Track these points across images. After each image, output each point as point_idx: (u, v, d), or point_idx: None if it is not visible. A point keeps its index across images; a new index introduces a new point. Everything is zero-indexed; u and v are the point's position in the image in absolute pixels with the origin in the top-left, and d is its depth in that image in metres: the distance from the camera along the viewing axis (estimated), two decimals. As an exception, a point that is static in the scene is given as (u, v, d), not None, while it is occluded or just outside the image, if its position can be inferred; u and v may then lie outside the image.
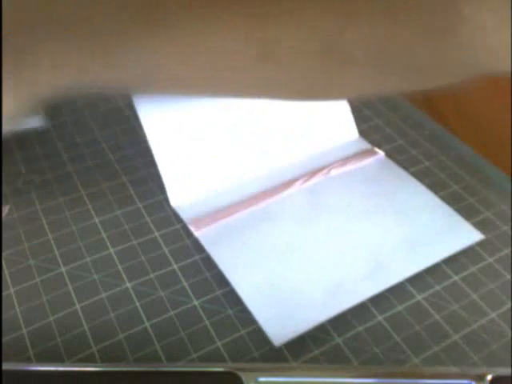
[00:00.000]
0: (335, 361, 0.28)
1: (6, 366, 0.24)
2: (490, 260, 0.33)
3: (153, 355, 0.28)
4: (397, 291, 0.31)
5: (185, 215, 0.35)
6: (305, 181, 0.37)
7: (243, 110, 0.37)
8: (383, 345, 0.28)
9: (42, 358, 0.27)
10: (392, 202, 0.36)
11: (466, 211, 0.36)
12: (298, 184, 0.37)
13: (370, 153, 0.40)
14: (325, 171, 0.38)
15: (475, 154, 0.40)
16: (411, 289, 0.31)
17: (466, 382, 0.25)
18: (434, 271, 0.32)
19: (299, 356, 0.28)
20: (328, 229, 0.34)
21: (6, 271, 0.32)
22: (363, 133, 0.42)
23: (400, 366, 0.27)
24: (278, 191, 0.37)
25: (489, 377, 0.24)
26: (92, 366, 0.25)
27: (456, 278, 0.32)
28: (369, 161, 0.39)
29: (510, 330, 0.29)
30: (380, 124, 0.43)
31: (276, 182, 0.37)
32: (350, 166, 0.38)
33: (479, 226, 0.35)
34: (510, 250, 0.33)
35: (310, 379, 0.25)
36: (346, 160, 0.39)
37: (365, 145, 0.40)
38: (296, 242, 0.33)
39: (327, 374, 0.25)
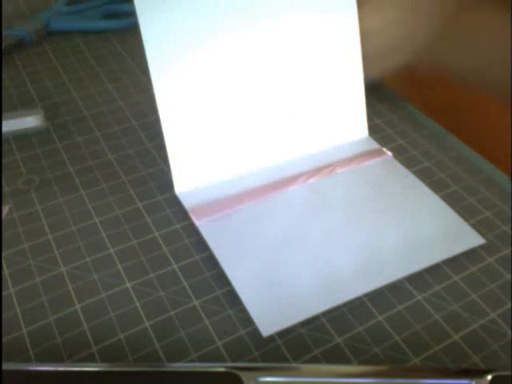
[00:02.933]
0: (335, 361, 0.28)
1: (5, 366, 0.24)
2: (490, 260, 0.33)
3: (153, 355, 0.28)
4: (397, 291, 0.31)
5: (187, 203, 0.36)
6: (308, 177, 0.37)
7: (254, 101, 0.37)
8: (383, 345, 0.28)
9: (41, 358, 0.27)
10: (395, 202, 0.36)
11: (466, 211, 0.36)
12: (301, 180, 0.37)
13: (378, 153, 0.40)
14: (329, 169, 0.38)
15: (475, 154, 0.40)
16: (411, 289, 0.31)
17: (465, 381, 0.25)
18: (434, 271, 0.32)
19: (299, 356, 0.28)
20: (328, 226, 0.34)
21: (6, 271, 0.32)
22: (363, 133, 0.42)
23: (400, 366, 0.27)
24: (281, 186, 0.37)
25: (489, 377, 0.24)
26: (92, 366, 0.25)
27: (456, 278, 0.32)
28: (375, 161, 0.39)
29: (510, 330, 0.29)
30: (380, 124, 0.43)
31: (280, 176, 0.38)
32: (356, 165, 0.38)
33: (479, 226, 0.35)
34: (509, 249, 0.33)
35: (310, 379, 0.25)
36: (352, 159, 0.39)
37: (373, 144, 0.40)
38: (295, 237, 0.33)
39: (327, 374, 0.25)
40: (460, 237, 0.33)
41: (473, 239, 0.33)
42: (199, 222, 0.34)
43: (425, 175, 0.38)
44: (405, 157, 0.40)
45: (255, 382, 0.24)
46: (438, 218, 0.34)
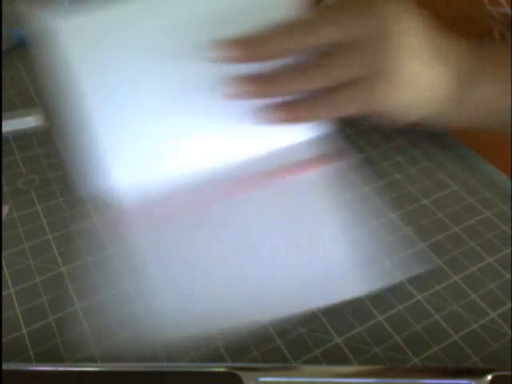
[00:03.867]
0: (335, 361, 0.28)
1: (5, 366, 0.24)
2: (490, 260, 0.33)
3: (153, 355, 0.28)
4: (397, 291, 0.31)
5: (119, 205, 0.34)
6: (245, 186, 0.35)
7: (193, 101, 0.35)
8: (383, 345, 0.28)
9: (42, 358, 0.27)
10: (316, 220, 0.33)
11: (466, 211, 0.36)
12: (236, 189, 0.35)
13: (324, 159, 0.36)
14: (269, 177, 0.35)
15: (475, 154, 0.40)
16: (411, 289, 0.31)
17: (465, 381, 0.25)
18: (433, 271, 0.32)
19: (299, 356, 0.28)
20: (239, 243, 0.32)
21: (6, 271, 0.32)
22: (363, 132, 0.42)
23: (400, 366, 0.27)
24: (216, 194, 0.35)
25: (489, 377, 0.25)
26: (92, 366, 0.25)
27: (456, 278, 0.32)
28: (320, 169, 0.35)
29: (510, 330, 0.29)
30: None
31: (217, 183, 0.35)
32: (296, 172, 0.35)
33: (479, 225, 0.35)
34: (509, 249, 0.33)
35: (310, 379, 0.25)
36: (293, 165, 0.36)
37: (320, 149, 0.36)
38: (213, 250, 0.32)
39: (327, 374, 0.25)
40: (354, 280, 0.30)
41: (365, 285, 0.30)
42: (129, 223, 0.33)
43: (425, 175, 0.38)
44: (404, 157, 0.40)
45: (255, 381, 0.24)
46: (341, 252, 0.31)
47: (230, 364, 0.25)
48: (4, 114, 0.42)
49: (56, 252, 0.33)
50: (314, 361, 0.28)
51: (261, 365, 0.26)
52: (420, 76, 0.31)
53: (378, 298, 0.31)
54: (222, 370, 0.25)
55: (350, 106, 0.31)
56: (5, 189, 0.38)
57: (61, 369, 0.25)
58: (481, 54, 0.33)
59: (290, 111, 0.32)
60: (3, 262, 0.32)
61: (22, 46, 0.53)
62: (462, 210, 0.36)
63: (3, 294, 0.31)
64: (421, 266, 0.32)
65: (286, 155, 0.36)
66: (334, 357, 0.28)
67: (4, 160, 0.40)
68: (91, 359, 0.28)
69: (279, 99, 0.32)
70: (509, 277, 0.32)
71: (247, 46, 0.31)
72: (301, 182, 0.35)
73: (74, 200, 0.37)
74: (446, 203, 0.36)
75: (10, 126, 0.42)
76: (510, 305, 0.30)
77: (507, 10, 0.40)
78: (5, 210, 0.36)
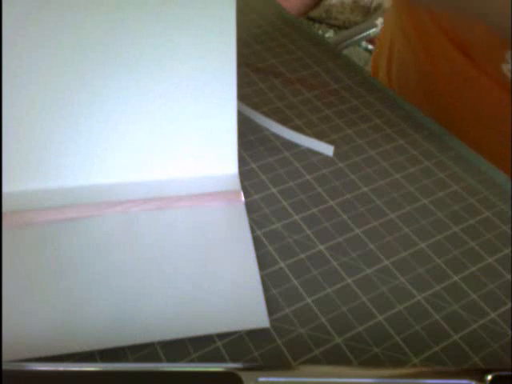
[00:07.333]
0: (335, 361, 0.28)
1: (5, 366, 0.24)
2: (490, 260, 0.33)
3: (153, 355, 0.28)
4: (397, 291, 0.31)
5: (5, 206, 0.34)
6: (134, 205, 0.34)
7: (108, 106, 0.34)
8: (383, 345, 0.28)
9: (42, 358, 0.27)
10: (206, 256, 0.32)
11: (466, 211, 0.36)
12: (123, 207, 0.34)
13: (230, 195, 0.35)
14: (164, 201, 0.35)
15: (475, 154, 0.40)
16: (411, 289, 0.31)
17: (465, 382, 0.25)
18: (434, 271, 0.32)
19: (299, 356, 0.28)
20: (112, 267, 0.31)
21: (5, 271, 0.32)
22: (362, 132, 0.42)
23: (400, 365, 0.27)
24: (99, 209, 0.34)
25: (489, 377, 0.24)
26: (92, 366, 0.25)
27: (456, 277, 0.32)
28: (220, 204, 0.35)
29: (510, 330, 0.29)
30: (379, 124, 0.43)
31: (106, 198, 0.35)
32: (196, 204, 0.35)
33: (479, 225, 0.35)
34: (509, 249, 0.33)
35: (309, 379, 0.25)
36: (196, 196, 0.35)
37: (234, 184, 0.36)
38: (87, 269, 0.31)
39: (327, 374, 0.25)
40: (246, 314, 0.29)
41: (257, 320, 0.29)
42: (5, 227, 0.32)
43: (425, 175, 0.38)
44: (405, 157, 0.40)
45: (255, 382, 0.24)
46: (237, 285, 0.31)
47: (229, 364, 0.25)
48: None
49: (56, 252, 0.33)
50: (314, 361, 0.28)
51: (260, 365, 0.25)
52: None
53: (378, 298, 0.31)
54: (221, 369, 0.25)
55: None
56: (5, 189, 0.38)
57: (61, 369, 0.25)
58: None
59: None
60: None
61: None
62: (461, 209, 0.36)
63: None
64: (421, 266, 0.32)
65: (192, 185, 0.36)
66: (334, 357, 0.28)
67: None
68: (91, 359, 0.28)
69: None
70: (509, 277, 0.32)
71: None
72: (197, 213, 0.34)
73: None
74: (446, 203, 0.36)
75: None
76: (510, 305, 0.30)
77: None
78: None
